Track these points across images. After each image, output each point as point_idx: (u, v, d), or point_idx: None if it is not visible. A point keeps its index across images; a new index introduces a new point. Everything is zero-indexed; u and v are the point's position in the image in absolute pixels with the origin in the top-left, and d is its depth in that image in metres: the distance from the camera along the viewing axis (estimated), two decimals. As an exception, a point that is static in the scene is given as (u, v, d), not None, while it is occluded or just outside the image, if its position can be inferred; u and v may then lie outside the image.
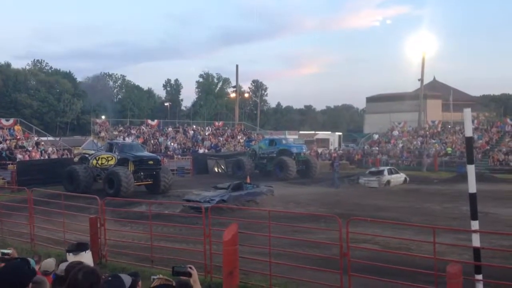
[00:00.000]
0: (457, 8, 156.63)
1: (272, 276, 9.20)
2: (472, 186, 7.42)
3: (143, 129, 47.74)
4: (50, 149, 36.14)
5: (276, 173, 33.52)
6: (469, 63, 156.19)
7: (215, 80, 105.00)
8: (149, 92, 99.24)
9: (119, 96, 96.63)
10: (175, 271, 3.64)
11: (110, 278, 3.38)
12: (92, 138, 43.39)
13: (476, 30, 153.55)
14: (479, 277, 7.38)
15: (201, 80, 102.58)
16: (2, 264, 4.20)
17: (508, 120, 48.59)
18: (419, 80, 55.47)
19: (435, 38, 62.85)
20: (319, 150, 50.38)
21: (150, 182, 26.07)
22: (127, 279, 3.58)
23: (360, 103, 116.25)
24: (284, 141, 37.26)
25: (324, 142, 59.03)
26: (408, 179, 31.40)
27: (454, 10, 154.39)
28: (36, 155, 33.34)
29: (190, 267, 3.63)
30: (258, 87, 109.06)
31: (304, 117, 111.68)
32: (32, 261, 4.61)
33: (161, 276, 3.95)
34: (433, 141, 47.59)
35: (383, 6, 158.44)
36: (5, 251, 5.44)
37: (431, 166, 40.72)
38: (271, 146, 35.99)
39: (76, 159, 28.73)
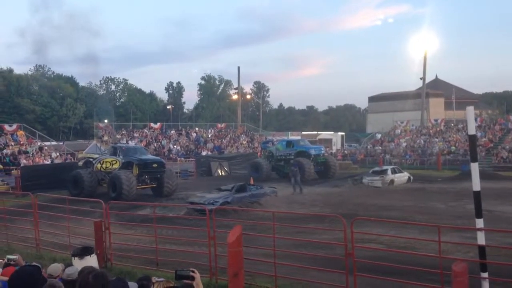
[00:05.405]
0: (458, 6, 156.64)
1: (277, 277, 9.19)
2: (476, 184, 7.40)
3: (145, 132, 47.79)
4: (54, 154, 36.21)
5: None
6: (471, 61, 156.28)
7: (217, 82, 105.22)
8: (151, 95, 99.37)
9: (122, 100, 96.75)
10: (178, 274, 3.64)
11: (114, 278, 3.43)
12: (95, 142, 43.50)
13: (477, 28, 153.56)
14: (485, 275, 7.35)
15: (203, 82, 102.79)
16: (12, 269, 4.23)
17: (511, 117, 48.50)
18: (421, 78, 55.51)
19: (437, 37, 62.77)
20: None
21: (154, 185, 26.03)
22: (133, 286, 3.61)
23: (362, 103, 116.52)
24: (302, 143, 36.66)
25: (327, 142, 58.92)
26: (411, 178, 31.28)
27: (455, 8, 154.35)
28: (40, 160, 33.42)
29: (193, 271, 3.62)
30: (260, 88, 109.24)
31: (307, 118, 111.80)
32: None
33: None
34: (436, 139, 47.53)
35: (383, 6, 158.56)
36: (11, 257, 5.47)
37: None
38: (289, 148, 35.36)
39: (80, 163, 28.65)
